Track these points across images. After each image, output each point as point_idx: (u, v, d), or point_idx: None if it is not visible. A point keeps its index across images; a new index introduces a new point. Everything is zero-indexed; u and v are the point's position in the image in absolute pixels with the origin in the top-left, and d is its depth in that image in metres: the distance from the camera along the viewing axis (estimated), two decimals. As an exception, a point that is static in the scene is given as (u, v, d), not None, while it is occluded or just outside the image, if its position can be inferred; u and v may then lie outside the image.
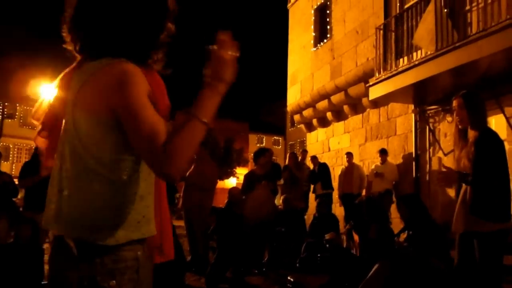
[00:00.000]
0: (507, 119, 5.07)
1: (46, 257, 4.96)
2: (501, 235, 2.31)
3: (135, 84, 0.96)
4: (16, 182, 4.26)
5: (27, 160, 4.95)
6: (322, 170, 7.55)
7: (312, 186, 7.67)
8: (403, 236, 3.46)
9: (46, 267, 4.77)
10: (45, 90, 17.74)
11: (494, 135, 2.38)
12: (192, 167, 5.00)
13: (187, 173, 4.96)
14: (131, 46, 1.03)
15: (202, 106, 0.96)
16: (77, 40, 1.07)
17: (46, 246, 4.51)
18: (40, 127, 1.14)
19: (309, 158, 8.25)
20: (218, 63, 0.97)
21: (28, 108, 22.09)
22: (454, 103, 2.47)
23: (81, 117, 0.98)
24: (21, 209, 4.73)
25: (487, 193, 2.31)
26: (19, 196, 5.32)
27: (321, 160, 8.70)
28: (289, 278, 4.47)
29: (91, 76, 0.98)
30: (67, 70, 1.15)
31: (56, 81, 1.15)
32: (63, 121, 1.05)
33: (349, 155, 7.49)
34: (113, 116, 0.96)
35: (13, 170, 19.75)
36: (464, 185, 2.44)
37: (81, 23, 1.04)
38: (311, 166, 8.09)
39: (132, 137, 0.95)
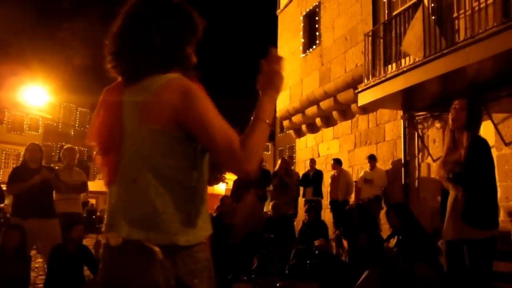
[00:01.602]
0: (495, 125, 5.12)
1: (33, 264, 4.81)
2: (491, 242, 2.29)
3: (199, 96, 1.07)
4: (4, 188, 4.11)
5: (15, 165, 4.79)
6: (317, 176, 7.52)
7: (302, 191, 7.62)
8: (393, 241, 3.42)
9: (33, 274, 4.68)
10: (34, 96, 17.48)
11: (485, 142, 2.38)
12: None
13: None
14: (173, 62, 1.14)
15: (264, 110, 1.13)
16: (121, 66, 1.15)
17: (33, 253, 4.35)
18: (97, 147, 1.19)
19: (308, 161, 8.16)
20: (271, 74, 1.17)
21: (16, 113, 21.65)
22: (456, 103, 2.45)
23: (151, 132, 1.06)
24: (8, 215, 4.55)
25: (479, 201, 2.29)
26: (6, 202, 5.13)
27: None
28: (278, 285, 4.38)
29: (154, 94, 1.05)
30: (110, 89, 1.20)
31: (100, 101, 1.21)
32: (121, 136, 1.11)
33: (334, 161, 7.47)
34: (181, 129, 1.05)
35: (1, 175, 19.23)
36: (453, 193, 2.41)
37: (125, 52, 1.13)
38: (303, 170, 8.04)
39: (209, 144, 1.06)
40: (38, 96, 17.52)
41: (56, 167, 4.85)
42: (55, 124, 24.27)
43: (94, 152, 1.20)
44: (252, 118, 1.11)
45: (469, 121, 2.37)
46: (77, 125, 26.42)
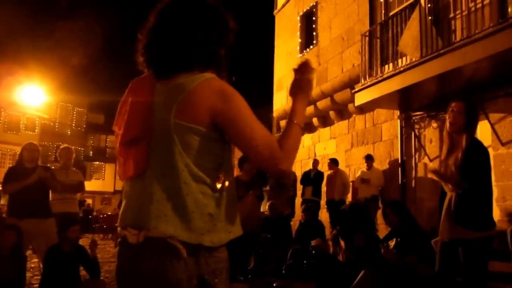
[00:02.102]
0: (491, 125, 5.14)
1: (28, 264, 4.78)
2: (485, 241, 2.30)
3: (238, 98, 1.10)
4: None
5: (11, 165, 4.77)
6: (318, 177, 7.52)
7: (301, 190, 7.63)
8: (392, 243, 3.42)
9: (29, 274, 4.65)
10: (30, 95, 17.41)
11: (482, 145, 2.39)
12: None
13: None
14: (210, 61, 1.15)
15: (297, 114, 1.21)
16: (154, 58, 1.15)
17: (29, 253, 4.32)
18: (122, 137, 1.16)
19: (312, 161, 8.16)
20: (303, 82, 1.27)
21: (13, 113, 21.53)
22: (454, 105, 2.44)
23: (187, 131, 1.06)
24: (4, 215, 4.52)
25: (473, 203, 2.30)
26: (2, 202, 5.08)
27: (307, 166, 8.67)
28: (275, 285, 4.38)
29: (190, 93, 1.06)
30: (139, 80, 1.20)
31: (128, 90, 1.20)
32: (151, 130, 1.09)
33: (330, 161, 7.49)
34: (216, 129, 1.08)
35: (-6, 175, 19.07)
36: (449, 194, 2.42)
37: (162, 47, 1.14)
38: (299, 170, 8.04)
39: (246, 143, 1.09)
40: (34, 95, 17.47)
41: (53, 167, 4.83)
42: (51, 123, 24.15)
43: (117, 140, 1.17)
44: (287, 121, 1.19)
45: (467, 124, 2.37)
46: (74, 125, 26.32)
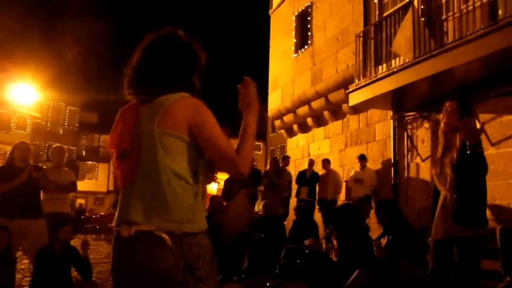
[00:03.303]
0: (481, 125, 5.19)
1: (18, 266, 4.73)
2: (479, 240, 2.32)
3: (207, 113, 1.32)
4: None
5: (1, 165, 4.70)
6: (313, 178, 7.54)
7: (296, 189, 7.64)
8: (384, 240, 3.45)
9: (19, 275, 4.59)
10: (21, 94, 17.16)
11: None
12: None
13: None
14: (182, 89, 1.36)
15: (249, 125, 1.40)
16: (137, 93, 1.38)
17: (19, 254, 4.27)
18: (116, 153, 1.38)
19: (308, 161, 8.17)
20: (248, 97, 1.44)
21: (3, 112, 21.25)
22: (448, 105, 2.46)
23: (167, 137, 1.27)
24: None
25: (469, 201, 2.32)
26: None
27: (301, 166, 8.70)
28: (268, 284, 4.39)
29: (168, 107, 1.29)
30: (126, 108, 1.42)
31: (118, 116, 1.43)
32: (139, 142, 1.30)
33: (325, 161, 7.52)
34: (190, 136, 1.30)
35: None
36: (443, 193, 2.44)
37: (141, 82, 1.38)
38: (294, 170, 8.05)
39: (211, 148, 1.31)
40: (26, 94, 17.24)
41: (45, 167, 4.78)
42: (43, 122, 23.88)
43: (113, 158, 1.38)
44: (241, 132, 1.39)
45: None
46: (66, 123, 26.05)
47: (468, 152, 2.22)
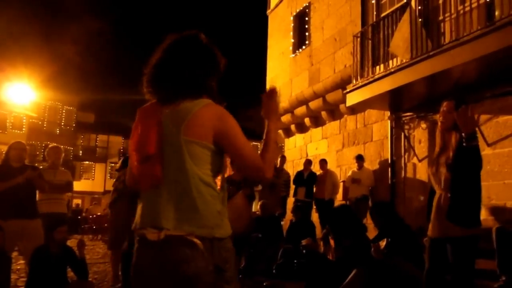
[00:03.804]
0: (478, 126, 5.22)
1: (14, 266, 4.69)
2: (473, 239, 2.33)
3: (232, 121, 1.37)
4: None
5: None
6: (311, 178, 7.54)
7: (293, 189, 7.64)
8: (382, 243, 3.45)
9: (15, 276, 4.56)
10: (18, 94, 17.06)
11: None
12: None
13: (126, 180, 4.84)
14: (200, 90, 1.39)
15: (273, 133, 1.48)
16: (157, 91, 1.40)
17: (15, 254, 4.24)
18: (138, 156, 1.38)
19: (304, 161, 8.17)
20: (272, 106, 1.53)
21: (-1, 111, 21.11)
22: (445, 105, 2.47)
23: (193, 146, 1.30)
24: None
25: (464, 201, 2.33)
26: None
27: (299, 166, 8.70)
28: (265, 284, 4.38)
29: (194, 115, 1.31)
30: (145, 108, 1.43)
31: (138, 116, 1.43)
32: (162, 147, 1.33)
33: (322, 161, 7.53)
34: (215, 144, 1.33)
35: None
36: (438, 192, 2.45)
37: (162, 81, 1.40)
38: (291, 170, 8.04)
39: (237, 156, 1.36)
40: (22, 93, 17.15)
41: (41, 167, 4.75)
42: (39, 122, 23.75)
43: (135, 162, 1.38)
44: (264, 139, 1.46)
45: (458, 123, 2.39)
46: (63, 123, 25.92)
47: (464, 144, 2.24)
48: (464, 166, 2.29)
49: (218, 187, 1.36)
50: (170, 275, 1.25)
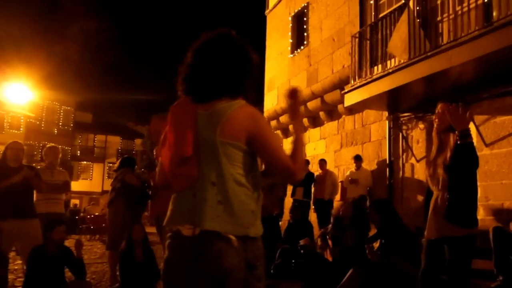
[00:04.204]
0: (476, 126, 5.23)
1: (12, 266, 4.66)
2: (470, 239, 2.34)
3: (265, 122, 1.41)
4: None
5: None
6: (309, 178, 7.54)
7: (291, 190, 7.64)
8: (376, 245, 3.46)
9: (12, 276, 4.54)
10: (15, 94, 16.99)
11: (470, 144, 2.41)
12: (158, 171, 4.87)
13: (156, 179, 4.84)
14: (236, 90, 1.41)
15: (300, 134, 1.49)
16: (193, 89, 1.41)
17: (12, 254, 4.22)
18: (176, 158, 1.39)
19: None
20: (297, 106, 1.57)
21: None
22: (439, 107, 2.49)
23: (229, 147, 1.33)
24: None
25: (462, 200, 2.34)
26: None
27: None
28: (263, 285, 4.36)
29: (229, 116, 1.33)
30: (178, 106, 1.43)
31: (171, 115, 1.43)
32: (198, 147, 1.34)
33: (322, 162, 7.53)
34: (248, 145, 1.36)
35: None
36: (436, 193, 2.45)
37: (198, 79, 1.41)
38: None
39: (270, 157, 1.39)
40: (20, 93, 17.09)
41: (38, 167, 4.73)
42: (37, 122, 23.68)
43: (169, 162, 1.39)
44: (294, 141, 1.48)
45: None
46: (60, 123, 25.85)
47: (458, 142, 2.25)
48: (460, 164, 2.30)
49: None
50: (204, 270, 1.28)
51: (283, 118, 9.98)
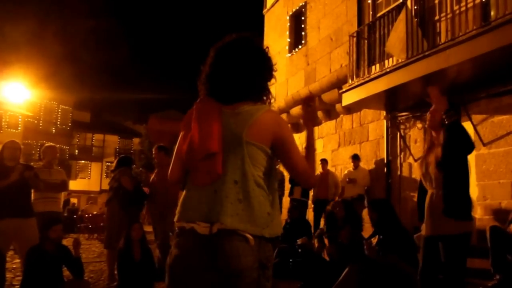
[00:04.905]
0: (474, 126, 5.25)
1: (10, 265, 4.65)
2: (465, 237, 2.35)
3: (288, 128, 1.46)
4: None
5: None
6: None
7: (289, 189, 7.64)
8: (374, 240, 3.46)
9: (10, 274, 4.53)
10: (13, 93, 16.92)
11: (460, 125, 2.43)
12: (155, 172, 4.88)
13: (151, 179, 4.86)
14: (257, 93, 1.47)
15: (311, 140, 1.56)
16: (215, 89, 1.45)
17: (10, 253, 4.20)
18: (201, 154, 1.39)
19: None
20: (313, 113, 1.65)
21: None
22: (429, 90, 2.53)
23: (253, 148, 1.37)
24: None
25: (456, 194, 2.35)
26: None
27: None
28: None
29: (257, 119, 1.37)
30: (202, 104, 1.45)
31: (195, 112, 1.44)
32: (222, 146, 1.37)
33: (324, 161, 7.53)
34: (272, 148, 1.41)
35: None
36: (430, 191, 2.46)
37: (220, 79, 1.45)
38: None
39: (290, 162, 1.43)
40: (17, 93, 17.03)
41: (36, 166, 4.73)
42: (35, 121, 23.60)
43: (192, 157, 1.39)
44: (306, 146, 1.54)
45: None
46: (58, 123, 25.77)
47: (446, 122, 2.27)
48: (452, 145, 2.30)
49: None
50: (219, 267, 1.28)
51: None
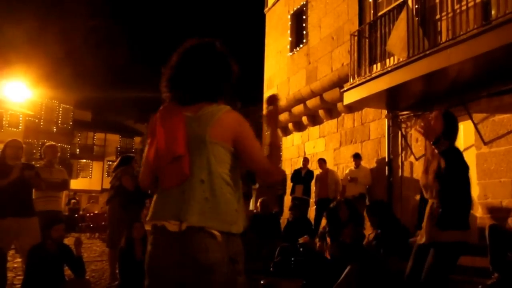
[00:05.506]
0: (475, 125, 5.24)
1: (11, 264, 4.66)
2: (456, 246, 2.34)
3: (248, 127, 1.49)
4: None
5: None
6: (308, 176, 7.54)
7: (291, 187, 7.65)
8: (371, 235, 3.47)
9: (12, 274, 4.54)
10: (14, 92, 16.95)
11: (457, 152, 2.44)
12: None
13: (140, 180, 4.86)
14: (215, 93, 1.51)
15: (275, 138, 1.63)
16: (176, 92, 1.51)
17: (11, 252, 4.22)
18: (168, 157, 1.44)
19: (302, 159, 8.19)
20: (276, 113, 1.69)
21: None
22: (433, 114, 2.52)
23: (217, 147, 1.42)
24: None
25: (453, 208, 2.36)
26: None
27: (296, 164, 8.71)
28: (262, 282, 4.39)
29: (219, 119, 1.43)
30: (165, 109, 1.51)
31: (159, 117, 1.50)
32: (187, 147, 1.42)
33: (321, 161, 7.54)
34: (233, 146, 1.45)
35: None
36: (430, 201, 2.47)
37: (181, 83, 1.51)
38: (289, 168, 8.05)
39: (251, 160, 1.48)
40: (18, 92, 17.05)
41: (37, 165, 4.74)
42: (36, 120, 23.64)
43: (160, 161, 1.44)
44: (269, 145, 1.60)
45: (445, 133, 2.42)
46: (59, 122, 25.81)
47: (436, 151, 2.29)
48: (447, 172, 2.32)
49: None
50: (189, 263, 1.34)
51: (282, 117, 9.98)
